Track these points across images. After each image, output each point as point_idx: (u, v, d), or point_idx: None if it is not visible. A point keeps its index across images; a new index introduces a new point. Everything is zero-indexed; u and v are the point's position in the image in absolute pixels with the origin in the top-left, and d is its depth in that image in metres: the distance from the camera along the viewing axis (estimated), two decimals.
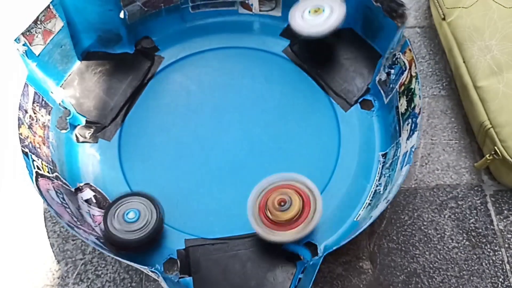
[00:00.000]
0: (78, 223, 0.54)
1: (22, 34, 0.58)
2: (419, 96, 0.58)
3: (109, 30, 0.68)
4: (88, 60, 0.68)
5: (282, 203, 0.55)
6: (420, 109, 0.57)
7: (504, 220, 0.62)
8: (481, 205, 0.63)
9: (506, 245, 0.61)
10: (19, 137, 0.55)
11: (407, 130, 0.59)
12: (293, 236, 0.54)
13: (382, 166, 0.63)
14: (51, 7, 0.60)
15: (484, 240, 0.61)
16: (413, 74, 0.59)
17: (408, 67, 0.60)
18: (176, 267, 0.57)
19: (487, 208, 0.63)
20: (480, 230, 0.62)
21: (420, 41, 0.75)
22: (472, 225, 0.62)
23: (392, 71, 0.64)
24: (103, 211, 0.60)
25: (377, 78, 0.67)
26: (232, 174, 0.63)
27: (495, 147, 0.60)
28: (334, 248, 0.50)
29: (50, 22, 0.60)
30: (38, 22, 0.59)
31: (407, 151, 0.56)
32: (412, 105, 0.59)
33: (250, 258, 0.57)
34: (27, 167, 0.53)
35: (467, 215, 0.63)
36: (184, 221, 0.60)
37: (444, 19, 0.69)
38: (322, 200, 0.56)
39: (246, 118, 0.67)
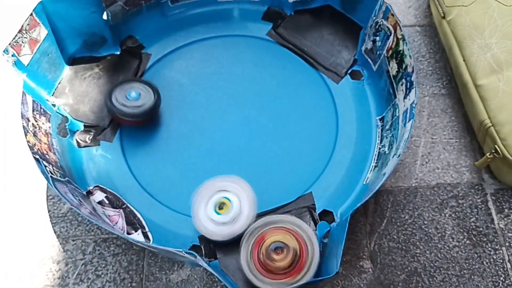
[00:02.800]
0: (100, 221, 0.55)
1: (10, 44, 0.57)
2: (409, 56, 0.59)
3: (94, 33, 0.67)
4: (75, 66, 0.67)
5: (278, 249, 0.52)
6: (413, 67, 0.58)
7: (505, 219, 0.62)
8: (481, 204, 0.63)
9: (507, 244, 0.61)
10: (28, 145, 0.55)
11: (402, 90, 0.60)
12: (294, 284, 0.51)
13: (382, 129, 0.65)
14: (33, 14, 0.59)
15: (485, 239, 0.61)
16: (399, 36, 0.60)
17: (393, 31, 0.61)
18: (200, 253, 0.58)
19: (487, 207, 0.63)
20: (481, 229, 0.62)
21: (420, 39, 0.75)
22: (472, 224, 0.62)
23: (377, 38, 0.65)
24: (118, 210, 0.60)
25: (363, 48, 0.68)
26: (237, 158, 0.64)
27: (496, 146, 0.60)
28: (357, 206, 0.51)
29: (34, 30, 0.60)
30: (24, 31, 0.58)
31: (407, 108, 0.58)
32: (404, 66, 0.60)
33: None
34: (41, 172, 0.53)
35: (468, 214, 0.62)
36: None
37: (444, 17, 0.69)
38: (317, 240, 0.52)
39: (241, 103, 0.68)
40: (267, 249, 0.52)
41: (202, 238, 0.59)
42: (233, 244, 0.57)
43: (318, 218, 0.60)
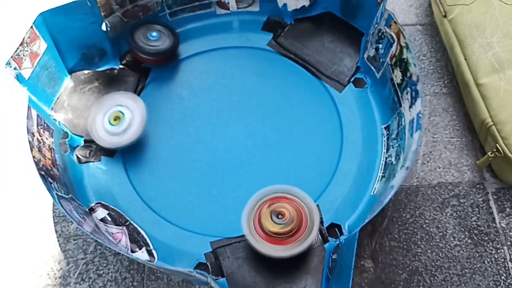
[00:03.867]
0: (105, 240, 0.54)
1: (12, 57, 0.57)
2: (414, 64, 0.58)
3: (93, 46, 0.67)
4: (74, 80, 0.67)
5: (280, 215, 0.54)
6: (417, 76, 0.57)
7: (506, 218, 0.62)
8: (483, 203, 0.63)
9: (509, 243, 0.61)
10: (34, 160, 0.54)
11: (407, 99, 0.59)
12: (289, 251, 0.53)
13: (387, 138, 0.64)
14: (33, 27, 0.59)
15: (486, 238, 0.61)
16: (403, 44, 0.60)
17: (396, 39, 0.61)
18: (206, 271, 0.57)
19: (489, 206, 0.63)
20: (482, 228, 0.62)
21: (421, 38, 0.75)
22: (474, 223, 0.62)
23: (380, 46, 0.64)
24: (121, 227, 0.60)
25: (365, 56, 0.68)
26: (241, 170, 0.63)
27: (497, 145, 0.60)
28: (367, 221, 0.50)
29: (35, 43, 0.59)
30: (25, 44, 0.58)
31: (413, 118, 0.57)
32: (408, 74, 0.59)
33: None
34: (48, 189, 0.52)
35: (469, 213, 0.62)
36: (204, 224, 0.60)
37: (445, 16, 0.69)
38: (318, 214, 0.55)
39: (243, 115, 0.67)
40: (270, 215, 0.54)
41: (209, 255, 0.58)
42: (241, 260, 0.57)
43: (326, 232, 0.59)
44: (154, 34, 0.68)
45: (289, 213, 0.54)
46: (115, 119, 0.63)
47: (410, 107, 0.59)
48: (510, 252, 0.60)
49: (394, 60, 0.62)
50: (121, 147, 0.63)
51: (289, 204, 0.55)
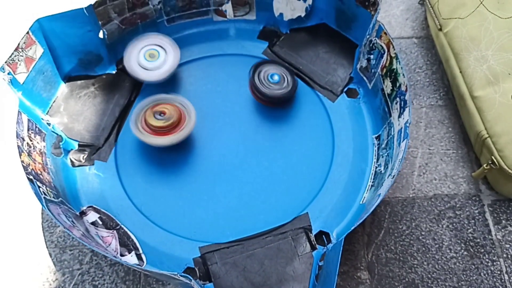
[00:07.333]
0: (93, 243, 0.54)
1: (6, 62, 0.57)
2: (403, 75, 0.59)
3: (90, 52, 0.67)
4: (71, 85, 0.67)
5: (162, 114, 0.63)
6: (406, 86, 0.58)
7: (502, 230, 0.62)
8: (479, 215, 0.63)
9: (505, 255, 0.61)
10: (22, 165, 0.55)
11: (397, 109, 0.60)
12: (170, 140, 0.62)
13: (378, 148, 0.64)
14: (30, 33, 0.59)
15: (482, 250, 0.61)
16: (393, 55, 0.60)
17: (386, 50, 0.62)
18: (195, 276, 0.57)
19: (485, 218, 0.63)
20: (478, 240, 0.62)
21: (417, 51, 0.75)
22: (470, 235, 0.62)
23: (372, 56, 0.65)
24: (111, 231, 0.60)
25: (358, 66, 0.68)
26: (233, 176, 0.64)
27: (492, 157, 0.60)
28: (352, 228, 0.51)
29: (30, 49, 0.60)
30: (20, 49, 0.59)
31: (401, 127, 0.58)
32: (398, 84, 0.60)
33: (267, 255, 0.58)
34: (35, 193, 0.53)
35: (465, 225, 0.63)
36: (194, 230, 0.60)
37: (440, 29, 0.69)
38: (196, 114, 0.64)
39: (237, 121, 0.68)
40: (154, 113, 0.63)
41: (197, 260, 0.58)
42: (229, 265, 0.57)
43: (314, 239, 0.59)
44: (276, 77, 0.67)
45: (169, 112, 0.63)
46: (150, 56, 0.67)
47: (399, 116, 0.59)
48: (506, 264, 0.60)
49: (384, 70, 0.63)
50: (153, 82, 0.68)
51: (169, 105, 0.64)
